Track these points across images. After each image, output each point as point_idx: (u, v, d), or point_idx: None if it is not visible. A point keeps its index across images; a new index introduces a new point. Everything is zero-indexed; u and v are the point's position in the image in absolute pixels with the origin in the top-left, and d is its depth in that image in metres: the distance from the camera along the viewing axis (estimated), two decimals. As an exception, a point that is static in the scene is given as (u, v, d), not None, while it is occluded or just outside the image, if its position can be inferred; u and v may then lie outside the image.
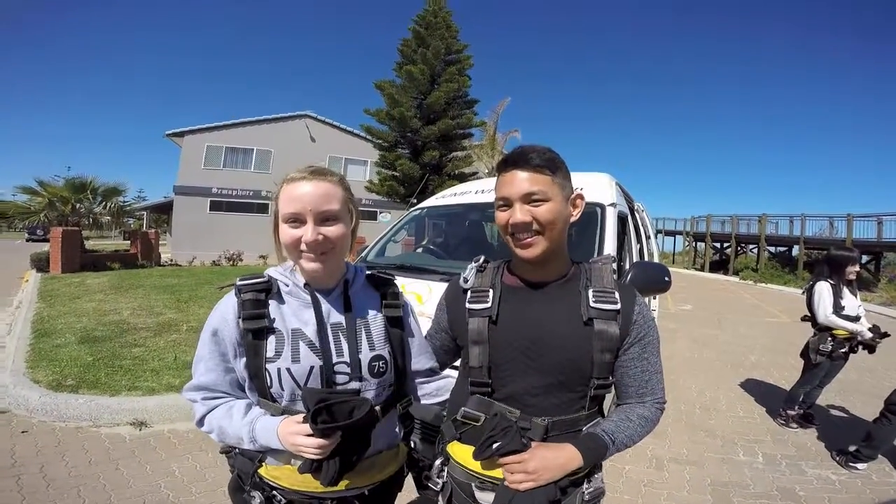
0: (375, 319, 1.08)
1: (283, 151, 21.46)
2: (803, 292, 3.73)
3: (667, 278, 2.54)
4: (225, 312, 1.00)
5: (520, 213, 0.97)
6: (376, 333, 1.07)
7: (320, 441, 0.88)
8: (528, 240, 0.98)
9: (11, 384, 3.56)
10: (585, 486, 0.97)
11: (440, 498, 1.11)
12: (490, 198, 3.46)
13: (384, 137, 15.70)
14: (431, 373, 1.22)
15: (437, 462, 1.12)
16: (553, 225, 0.97)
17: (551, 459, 0.92)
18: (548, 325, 1.00)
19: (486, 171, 16.66)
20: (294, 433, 0.90)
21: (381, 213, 16.48)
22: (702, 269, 23.10)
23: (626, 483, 2.77)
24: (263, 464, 1.01)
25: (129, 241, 16.84)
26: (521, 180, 0.98)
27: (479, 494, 1.03)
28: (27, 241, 30.13)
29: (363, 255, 3.50)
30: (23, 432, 3.01)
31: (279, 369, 0.97)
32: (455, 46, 15.49)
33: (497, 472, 0.96)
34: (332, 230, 0.98)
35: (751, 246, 22.68)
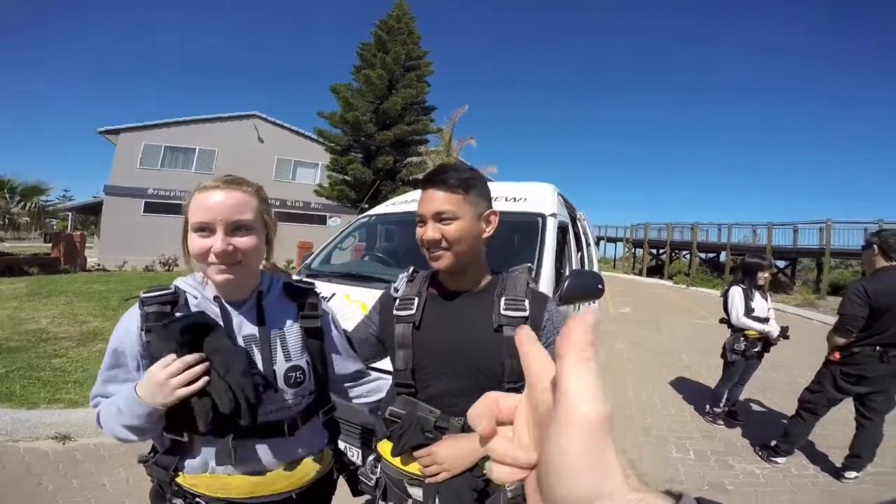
0: (291, 330, 1.08)
1: (229, 152, 20.48)
2: (721, 296, 4.06)
3: (600, 286, 2.68)
4: (128, 326, 0.98)
5: (430, 231, 1.07)
6: (292, 344, 1.07)
7: (184, 360, 0.86)
8: (437, 254, 1.08)
9: None
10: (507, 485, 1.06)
11: (376, 493, 1.16)
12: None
13: (337, 141, 15.44)
14: (359, 374, 1.24)
15: (371, 458, 1.19)
16: (459, 242, 1.06)
17: (459, 448, 0.99)
18: (464, 332, 1.08)
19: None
20: (155, 370, 0.87)
21: (330, 217, 16.16)
22: (640, 273, 24.41)
23: None
24: (180, 472, 1.00)
25: (50, 244, 15.45)
26: (434, 199, 1.08)
27: (410, 490, 1.09)
28: (-75, 242, 26.83)
29: (308, 262, 3.45)
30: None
31: None
32: (416, 52, 15.49)
33: (413, 469, 1.03)
34: (243, 241, 0.97)
35: (684, 252, 24.21)
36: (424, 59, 15.76)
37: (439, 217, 1.06)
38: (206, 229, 0.96)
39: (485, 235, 1.12)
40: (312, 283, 1.19)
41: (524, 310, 1.06)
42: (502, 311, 1.06)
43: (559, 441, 0.26)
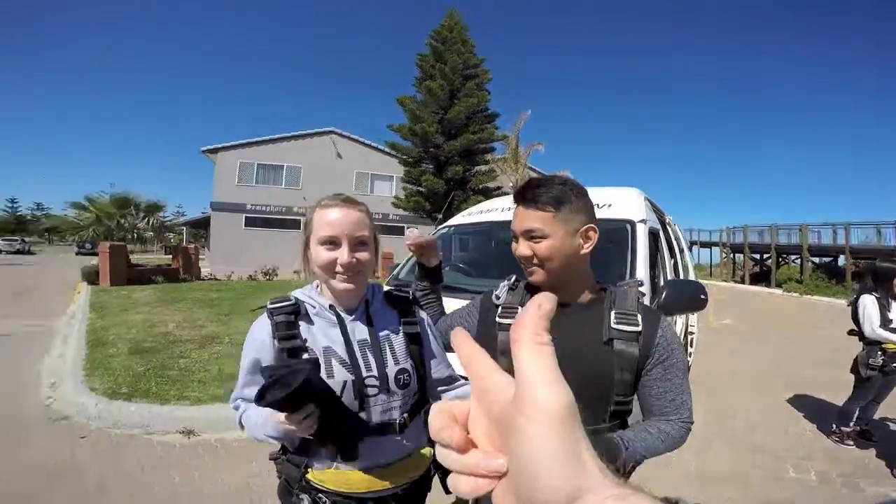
0: (397, 335, 1.17)
1: (312, 168, 22.03)
2: (848, 305, 3.62)
3: (703, 296, 2.46)
4: (262, 337, 1.10)
5: (521, 248, 1.08)
6: (398, 348, 1.15)
7: (295, 416, 0.91)
8: (531, 269, 1.09)
9: (71, 391, 3.84)
10: None
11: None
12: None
13: (408, 153, 15.91)
14: (451, 380, 1.30)
15: None
16: (550, 259, 1.05)
17: None
18: (569, 343, 1.02)
19: (511, 184, 16.69)
20: (277, 419, 0.94)
21: (408, 228, 16.65)
22: (742, 281, 22.23)
23: None
24: (310, 469, 1.09)
25: (170, 256, 17.61)
26: (523, 217, 1.08)
27: None
28: (77, 254, 32.00)
29: (395, 273, 3.58)
30: (81, 438, 3.22)
31: None
32: (472, 61, 15.61)
33: None
34: (363, 255, 1.09)
35: (793, 256, 21.71)
36: (481, 66, 15.79)
37: (529, 235, 1.07)
38: (332, 243, 1.06)
39: (583, 252, 1.09)
40: (409, 292, 1.26)
41: (636, 324, 1.05)
42: (613, 325, 1.05)
43: (527, 433, 0.24)
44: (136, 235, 16.79)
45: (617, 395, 1.03)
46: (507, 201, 3.97)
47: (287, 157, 22.26)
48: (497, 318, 1.18)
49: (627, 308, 1.07)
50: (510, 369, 0.28)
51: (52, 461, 2.87)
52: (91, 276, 12.16)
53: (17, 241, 38.08)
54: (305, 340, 1.07)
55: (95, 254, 13.70)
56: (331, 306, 1.12)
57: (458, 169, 15.06)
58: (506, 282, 1.26)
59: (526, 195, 1.07)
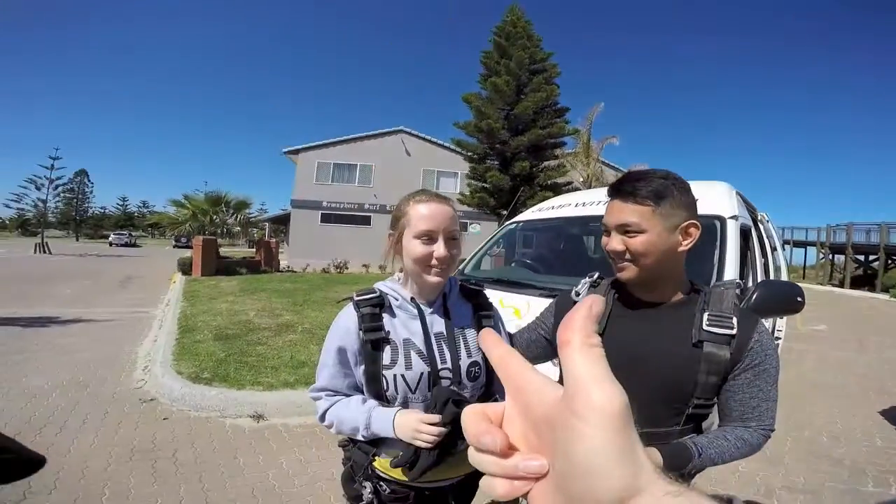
0: (471, 328, 1.19)
1: (383, 166, 22.81)
2: None
3: (799, 298, 2.21)
4: (348, 326, 1.12)
5: (614, 242, 1.04)
6: (472, 341, 1.17)
7: (440, 429, 0.98)
8: (622, 265, 1.05)
9: (160, 374, 4.20)
10: None
11: None
12: (590, 211, 3.28)
13: (474, 150, 15.90)
14: None
15: None
16: (645, 255, 1.00)
17: None
18: (653, 343, 1.03)
19: (581, 179, 16.04)
20: (416, 420, 1.00)
21: (471, 224, 16.71)
22: (840, 284, 19.90)
23: None
24: (377, 458, 1.12)
25: (254, 249, 19.05)
26: (619, 210, 1.03)
27: None
28: (174, 247, 35.78)
29: (461, 267, 3.56)
30: (164, 419, 3.49)
31: (395, 376, 1.08)
32: (539, 55, 15.27)
33: None
34: (456, 249, 1.11)
35: (906, 258, 18.98)
36: (549, 61, 15.39)
37: (624, 229, 1.02)
38: (429, 237, 1.08)
39: (681, 249, 1.03)
40: (481, 285, 1.28)
41: (731, 327, 0.99)
42: (705, 327, 1.00)
43: (581, 432, 0.24)
44: (225, 230, 18.37)
45: (697, 398, 1.01)
46: (580, 197, 3.81)
47: (360, 156, 23.21)
48: None
49: (723, 310, 1.02)
50: None
51: (137, 440, 3.14)
52: (185, 267, 13.45)
53: (125, 234, 43.32)
54: (388, 332, 1.10)
55: (190, 247, 15.14)
56: (412, 299, 1.15)
57: (525, 165, 14.78)
58: (587, 279, 1.23)
59: (624, 188, 1.03)
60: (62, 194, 66.32)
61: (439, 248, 1.07)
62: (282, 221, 29.63)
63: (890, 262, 19.45)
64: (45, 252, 24.42)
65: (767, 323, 3.83)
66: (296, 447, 3.09)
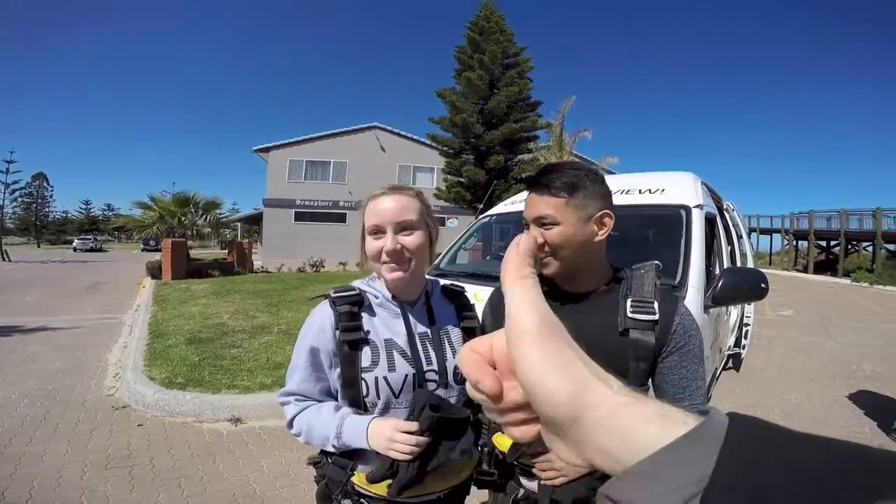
0: (455, 329, 1.15)
1: (357, 162, 22.58)
2: None
3: (763, 284, 2.32)
4: (322, 325, 1.06)
5: (531, 236, 1.03)
6: (457, 342, 1.13)
7: (417, 439, 0.92)
8: (544, 259, 1.05)
9: (132, 381, 4.07)
10: None
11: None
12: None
13: (449, 144, 15.90)
14: None
15: (484, 451, 1.21)
16: (563, 247, 1.02)
17: None
18: (583, 335, 1.00)
19: (556, 172, 16.27)
20: (391, 428, 0.94)
21: (448, 218, 16.73)
22: (804, 270, 20.79)
23: None
24: (355, 472, 1.05)
25: (226, 251, 18.60)
26: (534, 203, 1.05)
27: (522, 480, 1.13)
28: (142, 250, 34.62)
29: (436, 262, 3.56)
30: (138, 426, 3.41)
31: (376, 378, 1.02)
32: (512, 50, 15.35)
33: (523, 460, 1.05)
34: (410, 239, 1.04)
35: (864, 244, 20.07)
36: (522, 55, 15.49)
37: (540, 222, 1.04)
38: (378, 231, 1.04)
39: (597, 239, 1.05)
40: (463, 287, 1.25)
41: (653, 312, 1.02)
42: (629, 314, 1.02)
43: (517, 355, 0.26)
44: (195, 232, 17.85)
45: (632, 385, 0.96)
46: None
47: (333, 152, 22.91)
48: None
49: (644, 295, 1.04)
50: None
51: (111, 448, 3.05)
52: (154, 271, 13.03)
53: (90, 239, 41.61)
54: (368, 332, 1.05)
55: (159, 250, 14.69)
56: (394, 297, 1.10)
57: (500, 158, 14.87)
58: None
59: (539, 181, 1.05)
60: (20, 199, 63.52)
61: (387, 242, 1.03)
62: (254, 221, 29.03)
63: (850, 247, 20.41)
64: (3, 259, 23.29)
65: (737, 309, 4.00)
66: (276, 450, 3.06)
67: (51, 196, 70.36)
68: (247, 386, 3.95)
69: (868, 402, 4.17)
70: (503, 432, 1.14)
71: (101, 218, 78.56)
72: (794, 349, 6.27)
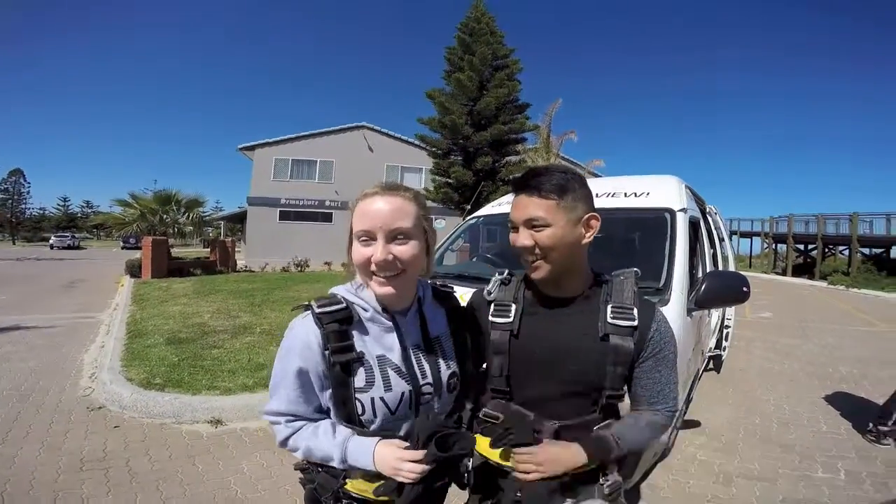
0: (447, 335, 1.10)
1: (344, 162, 22.44)
2: None
3: (745, 288, 2.35)
4: (308, 343, 0.96)
5: (522, 238, 1.04)
6: (448, 350, 1.08)
7: (423, 467, 0.90)
8: (534, 263, 1.05)
9: (108, 381, 3.96)
10: (602, 480, 1.04)
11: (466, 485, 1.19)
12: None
13: (437, 145, 15.91)
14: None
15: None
16: (553, 250, 1.02)
17: (558, 454, 1.00)
18: (564, 340, 1.06)
19: (543, 174, 16.40)
20: (397, 458, 0.91)
21: (435, 219, 16.70)
22: (783, 273, 21.30)
23: (688, 498, 2.62)
24: (348, 480, 1.00)
25: (208, 249, 18.27)
26: (525, 205, 1.04)
27: (498, 480, 1.11)
28: (122, 248, 33.81)
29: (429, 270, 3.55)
30: (115, 427, 3.31)
31: (373, 399, 0.96)
32: (501, 51, 15.43)
33: (510, 463, 1.03)
34: (403, 249, 0.94)
35: (841, 248, 20.65)
36: (511, 57, 15.60)
37: (531, 224, 1.03)
38: (367, 237, 0.94)
39: (584, 241, 1.06)
40: (451, 287, 1.19)
41: (632, 319, 1.04)
42: (609, 320, 1.04)
43: None
44: (176, 230, 17.50)
45: (608, 390, 1.05)
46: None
47: (320, 152, 22.74)
48: (490, 317, 1.14)
49: (624, 301, 1.06)
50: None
51: (86, 450, 2.96)
52: (134, 270, 12.74)
53: (67, 237, 40.51)
54: (362, 354, 0.96)
55: (139, 248, 14.35)
56: (384, 308, 1.00)
57: (488, 160, 14.93)
58: (497, 276, 1.21)
59: (528, 183, 1.04)
60: (-5, 195, 61.66)
61: (377, 251, 0.92)
62: (238, 220, 28.61)
63: (827, 251, 20.95)
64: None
65: (718, 312, 4.06)
66: (257, 452, 3.00)
67: (28, 193, 68.59)
68: (228, 387, 3.87)
69: (844, 403, 4.26)
70: (483, 434, 1.12)
71: (79, 215, 76.67)
72: (773, 351, 6.39)
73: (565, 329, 1.07)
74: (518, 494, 1.02)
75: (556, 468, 0.99)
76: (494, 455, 1.07)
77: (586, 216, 1.05)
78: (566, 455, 1.00)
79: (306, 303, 1.01)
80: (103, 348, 5.23)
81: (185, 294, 9.29)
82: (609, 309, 1.05)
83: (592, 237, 1.07)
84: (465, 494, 1.20)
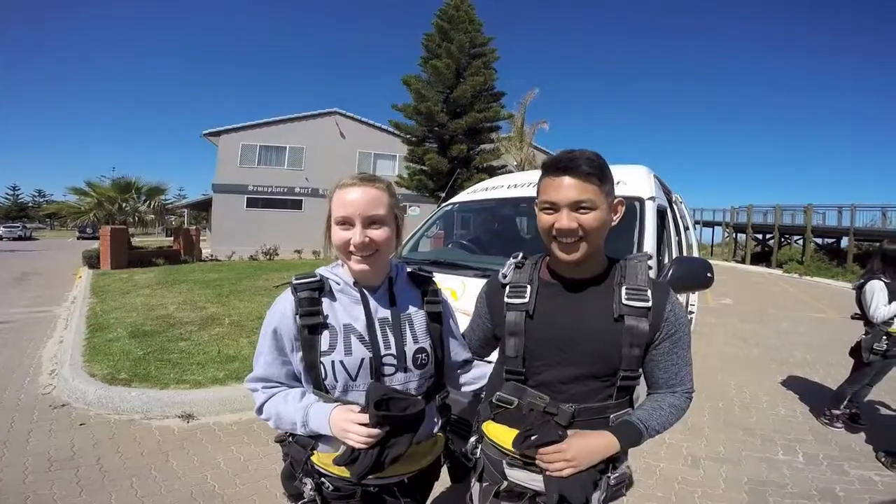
0: (418, 314, 1.16)
1: (315, 148, 21.87)
2: (853, 288, 3.53)
3: (709, 274, 2.46)
4: (283, 309, 1.08)
5: (566, 220, 1.01)
6: (419, 327, 1.15)
7: (370, 430, 0.95)
8: (573, 245, 1.03)
9: (70, 377, 3.80)
10: (610, 472, 1.04)
11: (472, 474, 1.20)
12: (522, 192, 3.39)
13: (412, 132, 15.74)
14: (467, 363, 1.32)
15: (472, 439, 1.21)
16: (596, 232, 1.02)
17: (589, 446, 1.00)
18: (580, 321, 1.07)
19: (515, 163, 16.47)
20: (346, 420, 0.98)
21: (410, 207, 16.61)
22: (743, 261, 22.22)
23: (659, 481, 2.73)
24: (315, 451, 1.08)
25: (171, 238, 17.61)
26: (570, 187, 1.01)
27: (508, 471, 1.11)
28: (77, 238, 32.13)
29: (398, 250, 3.54)
30: (81, 425, 3.19)
31: (333, 362, 1.04)
32: (479, 40, 15.33)
33: (529, 452, 1.03)
34: (378, 233, 1.06)
35: (796, 237, 21.68)
36: (489, 45, 15.53)
37: (577, 206, 1.01)
38: (346, 223, 1.06)
39: (613, 224, 1.08)
40: (431, 272, 1.26)
41: (646, 300, 1.04)
42: (624, 301, 1.05)
43: None
44: (137, 219, 16.76)
45: (624, 371, 1.05)
46: (512, 179, 3.92)
47: (290, 138, 22.04)
48: (505, 299, 1.15)
49: (638, 283, 1.07)
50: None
51: (53, 449, 2.85)
52: (92, 260, 12.15)
53: (17, 227, 37.95)
54: (327, 317, 1.07)
55: (97, 238, 13.69)
56: (355, 283, 1.11)
57: (463, 148, 14.89)
58: (511, 260, 1.22)
59: (573, 164, 1.01)
60: (-68, 181, 57.22)
61: (355, 235, 1.04)
62: (203, 207, 27.63)
63: (783, 240, 21.96)
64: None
65: (682, 297, 4.23)
66: (233, 445, 2.95)
67: (-31, 179, 63.96)
68: (198, 380, 3.77)
69: (800, 387, 4.50)
70: (496, 421, 1.14)
71: (30, 205, 72.30)
72: (733, 336, 6.69)
73: (580, 310, 1.07)
74: (561, 488, 0.98)
75: (592, 459, 1.00)
76: (504, 443, 1.09)
77: (616, 200, 1.09)
78: (598, 445, 1.01)
79: (287, 280, 1.13)
80: (62, 343, 4.99)
81: (149, 285, 8.94)
82: (623, 290, 1.06)
83: (618, 220, 1.09)
84: (465, 489, 1.22)
